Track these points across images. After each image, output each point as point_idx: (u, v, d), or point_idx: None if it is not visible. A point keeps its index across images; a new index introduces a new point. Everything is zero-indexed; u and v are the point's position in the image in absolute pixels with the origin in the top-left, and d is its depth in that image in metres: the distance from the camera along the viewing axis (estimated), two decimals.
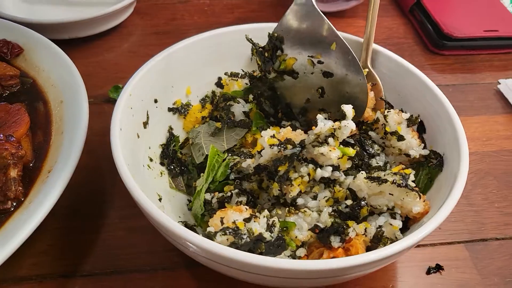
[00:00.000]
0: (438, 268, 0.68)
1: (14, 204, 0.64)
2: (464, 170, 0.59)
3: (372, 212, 0.61)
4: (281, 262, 0.49)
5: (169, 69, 0.74)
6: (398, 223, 0.59)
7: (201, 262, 0.57)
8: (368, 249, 0.59)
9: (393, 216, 0.60)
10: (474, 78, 1.04)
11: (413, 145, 0.67)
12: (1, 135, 0.68)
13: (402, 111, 0.70)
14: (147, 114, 0.71)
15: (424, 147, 0.69)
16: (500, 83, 1.01)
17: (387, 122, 0.68)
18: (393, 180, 0.59)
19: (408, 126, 0.68)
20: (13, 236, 0.57)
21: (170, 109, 0.76)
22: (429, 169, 0.66)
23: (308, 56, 0.69)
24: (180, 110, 0.77)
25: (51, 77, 0.84)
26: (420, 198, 0.59)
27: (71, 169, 0.65)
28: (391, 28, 1.17)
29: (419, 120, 0.71)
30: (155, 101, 0.73)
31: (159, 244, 0.68)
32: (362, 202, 0.60)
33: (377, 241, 0.59)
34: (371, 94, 0.72)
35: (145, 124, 0.70)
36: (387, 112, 0.69)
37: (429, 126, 0.71)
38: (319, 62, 0.68)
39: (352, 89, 0.68)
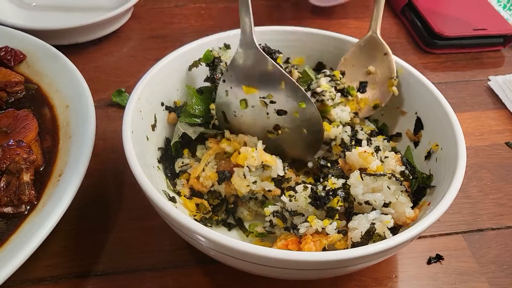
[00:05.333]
0: (438, 258, 0.71)
1: (28, 207, 0.66)
2: (462, 166, 0.62)
3: (359, 212, 0.62)
4: (284, 253, 0.51)
5: (174, 72, 0.76)
6: (389, 218, 0.59)
7: (214, 257, 0.59)
8: (354, 245, 0.59)
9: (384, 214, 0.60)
10: (465, 75, 1.08)
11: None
12: (12, 141, 0.70)
13: (400, 156, 0.68)
14: (155, 117, 0.73)
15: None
16: (490, 80, 1.05)
17: (382, 162, 0.67)
18: (392, 174, 0.62)
19: (396, 179, 0.62)
20: (30, 239, 0.59)
21: (167, 108, 0.77)
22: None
23: (260, 98, 0.67)
24: (176, 110, 0.78)
25: (55, 82, 0.85)
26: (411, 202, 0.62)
27: (82, 173, 0.67)
28: (383, 28, 1.19)
29: (417, 116, 0.75)
30: (162, 104, 0.75)
31: (169, 243, 0.70)
32: (339, 191, 0.61)
33: (368, 238, 0.59)
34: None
35: (153, 126, 0.72)
36: (385, 158, 0.67)
37: (426, 122, 0.74)
38: (272, 102, 0.67)
39: (307, 122, 0.68)
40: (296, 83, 0.65)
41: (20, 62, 0.90)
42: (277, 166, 0.66)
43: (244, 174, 0.66)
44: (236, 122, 0.71)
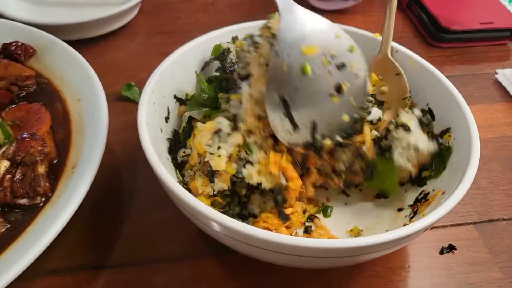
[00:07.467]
0: (451, 248, 0.71)
1: (43, 199, 0.66)
2: (476, 155, 0.62)
3: None
4: (297, 239, 0.51)
5: (186, 65, 0.76)
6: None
7: (229, 245, 0.59)
8: None
9: None
10: (473, 69, 1.08)
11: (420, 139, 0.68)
12: (26, 133, 0.70)
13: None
14: (168, 110, 0.73)
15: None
16: (497, 73, 1.05)
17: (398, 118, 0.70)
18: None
19: (421, 122, 0.68)
20: (46, 230, 0.59)
21: (178, 100, 0.76)
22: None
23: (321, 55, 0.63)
24: (186, 102, 0.77)
25: (66, 76, 0.86)
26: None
27: (96, 165, 0.67)
28: None
29: (428, 107, 0.75)
30: (175, 96, 0.75)
31: (183, 234, 0.70)
32: None
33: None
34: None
35: (167, 119, 0.72)
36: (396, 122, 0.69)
37: (438, 113, 0.74)
38: (332, 56, 0.63)
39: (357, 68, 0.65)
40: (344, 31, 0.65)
41: (30, 57, 0.90)
42: None
43: None
44: (299, 99, 0.62)
